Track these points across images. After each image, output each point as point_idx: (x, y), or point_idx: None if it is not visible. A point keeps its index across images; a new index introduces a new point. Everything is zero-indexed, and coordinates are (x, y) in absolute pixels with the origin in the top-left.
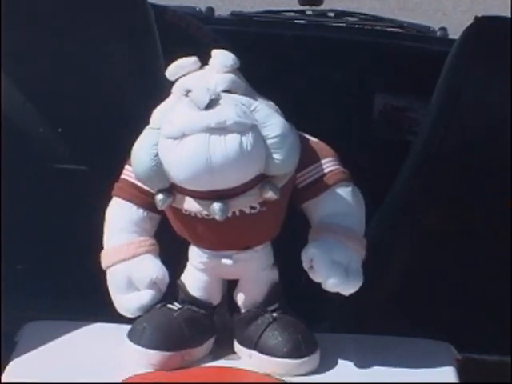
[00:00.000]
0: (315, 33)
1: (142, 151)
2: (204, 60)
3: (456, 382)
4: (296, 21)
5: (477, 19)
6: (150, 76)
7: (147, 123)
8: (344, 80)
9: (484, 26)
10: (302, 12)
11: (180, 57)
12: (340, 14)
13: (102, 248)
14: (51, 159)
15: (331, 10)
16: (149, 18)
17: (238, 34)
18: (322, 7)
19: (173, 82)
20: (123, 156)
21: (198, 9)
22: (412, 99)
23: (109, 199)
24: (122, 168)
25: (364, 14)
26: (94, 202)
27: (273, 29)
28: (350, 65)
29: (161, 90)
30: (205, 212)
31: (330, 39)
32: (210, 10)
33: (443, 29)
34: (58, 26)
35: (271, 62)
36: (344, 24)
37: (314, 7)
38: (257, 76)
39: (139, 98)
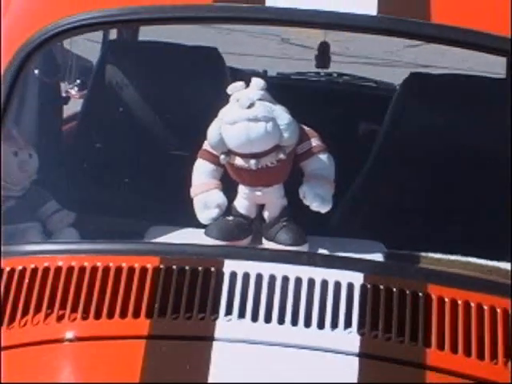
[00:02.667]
0: (325, 85)
1: (212, 131)
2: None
3: (381, 259)
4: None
5: (411, 74)
6: (219, 97)
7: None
8: (339, 113)
9: (415, 79)
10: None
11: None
12: (341, 74)
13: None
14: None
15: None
16: (224, 71)
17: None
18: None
19: (229, 96)
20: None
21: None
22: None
23: None
24: None
25: (353, 75)
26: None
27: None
28: (344, 104)
29: (224, 102)
30: (246, 165)
31: (333, 89)
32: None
33: None
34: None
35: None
36: (342, 80)
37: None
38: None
39: (213, 107)
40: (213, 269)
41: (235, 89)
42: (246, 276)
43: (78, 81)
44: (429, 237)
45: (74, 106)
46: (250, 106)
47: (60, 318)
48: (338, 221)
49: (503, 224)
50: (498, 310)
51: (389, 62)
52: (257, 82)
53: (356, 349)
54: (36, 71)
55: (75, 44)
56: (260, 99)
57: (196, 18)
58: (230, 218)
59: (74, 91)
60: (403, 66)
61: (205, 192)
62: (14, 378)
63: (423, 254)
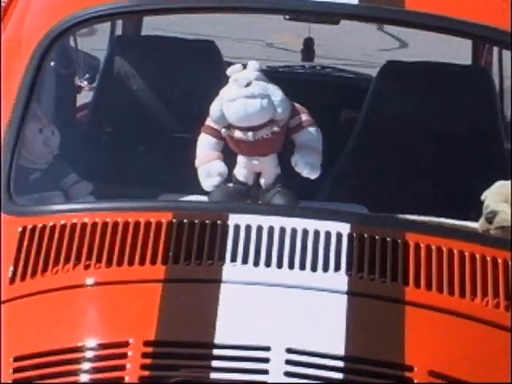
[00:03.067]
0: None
1: (214, 108)
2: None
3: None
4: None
5: (387, 61)
6: (216, 83)
7: None
8: (323, 99)
9: (390, 66)
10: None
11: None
12: (323, 66)
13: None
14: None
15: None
16: (220, 60)
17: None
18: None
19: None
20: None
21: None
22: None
23: None
24: None
25: (335, 67)
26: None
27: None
28: (327, 91)
29: (221, 87)
30: (244, 137)
31: (317, 79)
32: None
33: None
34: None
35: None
36: (325, 72)
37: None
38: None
39: (211, 92)
40: (219, 222)
41: (234, 71)
42: (248, 228)
43: (88, 75)
44: (404, 201)
45: (84, 97)
46: (247, 84)
47: (87, 267)
48: (325, 187)
49: (468, 190)
50: (466, 254)
51: (365, 62)
52: (252, 65)
53: (344, 288)
54: (53, 63)
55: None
56: (256, 79)
57: (198, 7)
58: (231, 184)
59: (83, 84)
60: (378, 67)
61: (208, 162)
62: (52, 315)
63: (400, 215)
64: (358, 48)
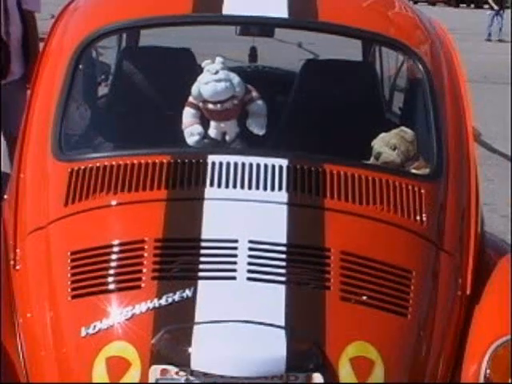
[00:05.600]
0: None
1: (194, 89)
2: None
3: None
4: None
5: (307, 60)
6: (195, 78)
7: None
8: (265, 87)
9: (309, 64)
10: None
11: None
12: (263, 66)
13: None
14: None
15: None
16: (195, 62)
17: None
18: None
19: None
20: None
21: None
22: None
23: None
24: None
25: (271, 66)
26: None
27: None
28: (266, 83)
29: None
30: (215, 108)
31: (259, 75)
32: None
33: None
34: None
35: None
36: (265, 69)
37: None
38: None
39: (188, 85)
40: (201, 160)
41: (206, 63)
42: (220, 163)
43: (103, 76)
44: (320, 149)
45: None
46: (216, 72)
47: (114, 193)
48: (268, 140)
49: (363, 142)
50: (369, 177)
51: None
52: (219, 59)
53: (285, 200)
54: (83, 65)
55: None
56: (221, 68)
57: (188, 22)
58: (206, 140)
59: (100, 80)
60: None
61: (190, 126)
62: (92, 224)
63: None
64: (284, 59)
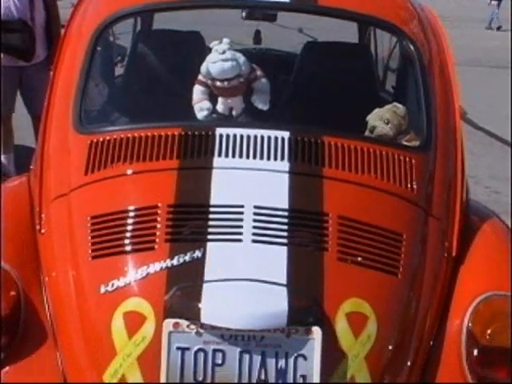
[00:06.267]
0: (259, 53)
1: (203, 67)
2: None
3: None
4: None
5: (307, 42)
6: (203, 59)
7: None
8: (269, 67)
9: (309, 45)
10: None
11: None
12: (267, 48)
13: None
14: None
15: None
16: (204, 43)
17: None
18: None
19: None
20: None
21: None
22: None
23: None
24: None
25: (273, 48)
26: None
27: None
28: (269, 63)
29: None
30: (222, 85)
31: (263, 56)
32: None
33: None
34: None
35: None
36: (268, 51)
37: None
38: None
39: (197, 64)
40: (210, 132)
41: (214, 44)
42: (228, 135)
43: (119, 57)
44: (320, 123)
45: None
46: (223, 52)
47: (129, 163)
48: (272, 114)
49: (359, 116)
50: (364, 148)
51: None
52: (226, 40)
53: (287, 169)
54: (101, 47)
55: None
56: (228, 48)
57: (198, 5)
58: (214, 115)
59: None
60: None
61: (200, 102)
62: (110, 191)
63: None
64: (286, 43)
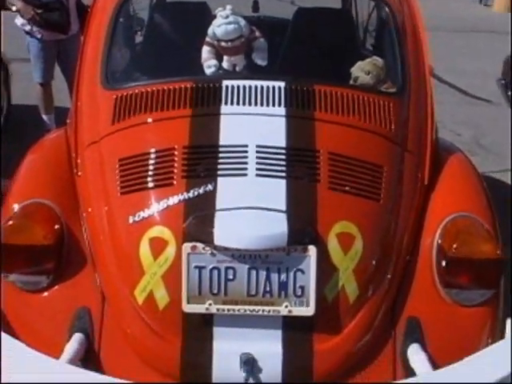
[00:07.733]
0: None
1: (210, 30)
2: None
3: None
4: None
5: (298, 8)
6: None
7: None
8: (265, 31)
9: (300, 11)
10: None
11: None
12: (264, 16)
13: None
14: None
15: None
16: (210, 13)
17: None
18: None
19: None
20: None
21: None
22: None
23: None
24: None
25: (270, 16)
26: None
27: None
28: (266, 28)
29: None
30: (226, 45)
31: (260, 21)
32: None
33: None
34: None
35: None
36: (265, 18)
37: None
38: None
39: (204, 32)
40: (217, 84)
41: (219, 10)
42: (232, 86)
43: (138, 27)
44: (311, 75)
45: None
46: (227, 16)
47: (149, 112)
48: (270, 69)
49: (345, 69)
50: (354, 95)
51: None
52: (229, 6)
53: (283, 113)
54: (123, 18)
55: None
56: (231, 13)
57: None
58: (220, 71)
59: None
60: None
61: (208, 60)
62: (134, 137)
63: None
64: (280, 11)
